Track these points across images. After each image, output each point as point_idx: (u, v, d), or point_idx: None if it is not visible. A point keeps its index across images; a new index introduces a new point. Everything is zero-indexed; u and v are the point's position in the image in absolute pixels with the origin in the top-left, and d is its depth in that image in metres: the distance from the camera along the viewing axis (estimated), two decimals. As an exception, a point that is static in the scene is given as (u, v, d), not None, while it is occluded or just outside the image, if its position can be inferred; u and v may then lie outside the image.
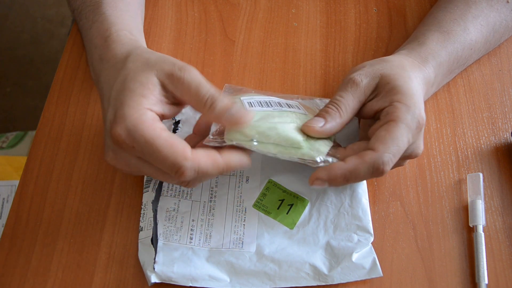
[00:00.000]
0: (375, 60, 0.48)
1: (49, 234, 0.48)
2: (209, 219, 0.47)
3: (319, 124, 0.44)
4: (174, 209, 0.48)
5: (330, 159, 0.43)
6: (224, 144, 0.43)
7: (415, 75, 0.47)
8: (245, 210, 0.48)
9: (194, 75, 0.43)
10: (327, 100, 0.49)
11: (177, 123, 0.52)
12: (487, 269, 0.45)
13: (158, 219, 0.47)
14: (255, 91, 0.50)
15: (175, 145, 0.40)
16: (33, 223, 0.48)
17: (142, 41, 0.52)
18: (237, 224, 0.47)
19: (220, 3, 0.63)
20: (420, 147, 0.46)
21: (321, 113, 0.45)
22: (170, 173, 0.40)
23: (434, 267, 0.46)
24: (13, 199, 0.50)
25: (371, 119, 0.47)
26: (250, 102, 0.46)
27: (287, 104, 0.47)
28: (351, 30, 0.61)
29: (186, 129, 0.52)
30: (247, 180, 0.49)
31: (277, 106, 0.46)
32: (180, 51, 0.59)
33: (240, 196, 0.49)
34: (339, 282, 0.44)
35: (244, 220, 0.47)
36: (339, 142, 0.49)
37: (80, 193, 0.50)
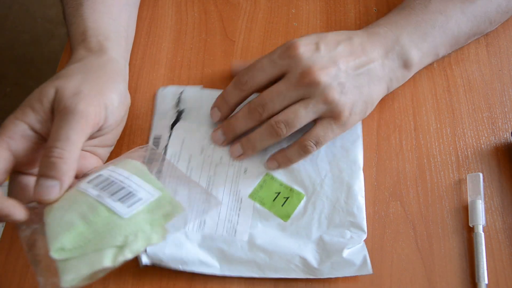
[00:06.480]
0: None
1: (49, 234, 0.48)
2: None
3: None
4: None
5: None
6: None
7: None
8: (241, 199, 0.48)
9: (76, 112, 0.39)
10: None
11: (180, 112, 0.52)
12: (487, 269, 0.45)
13: None
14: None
15: None
16: (33, 223, 0.48)
17: (118, 46, 0.50)
18: (232, 212, 0.47)
19: (220, 3, 0.63)
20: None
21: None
22: None
23: (434, 267, 0.46)
24: (13, 199, 0.50)
25: None
26: (91, 179, 0.41)
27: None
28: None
29: (192, 117, 0.52)
30: (245, 171, 0.50)
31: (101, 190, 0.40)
32: (180, 51, 0.59)
33: (237, 186, 0.49)
34: (328, 276, 0.44)
35: (239, 209, 0.48)
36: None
37: (80, 193, 0.50)
